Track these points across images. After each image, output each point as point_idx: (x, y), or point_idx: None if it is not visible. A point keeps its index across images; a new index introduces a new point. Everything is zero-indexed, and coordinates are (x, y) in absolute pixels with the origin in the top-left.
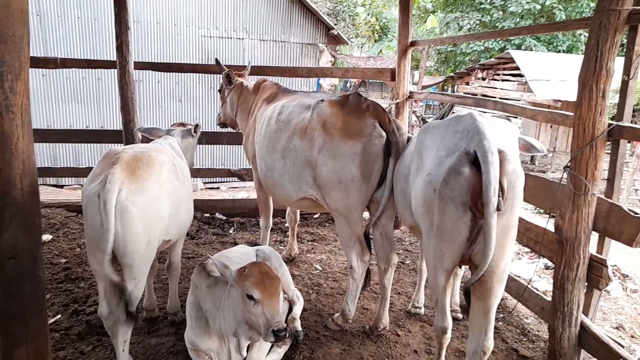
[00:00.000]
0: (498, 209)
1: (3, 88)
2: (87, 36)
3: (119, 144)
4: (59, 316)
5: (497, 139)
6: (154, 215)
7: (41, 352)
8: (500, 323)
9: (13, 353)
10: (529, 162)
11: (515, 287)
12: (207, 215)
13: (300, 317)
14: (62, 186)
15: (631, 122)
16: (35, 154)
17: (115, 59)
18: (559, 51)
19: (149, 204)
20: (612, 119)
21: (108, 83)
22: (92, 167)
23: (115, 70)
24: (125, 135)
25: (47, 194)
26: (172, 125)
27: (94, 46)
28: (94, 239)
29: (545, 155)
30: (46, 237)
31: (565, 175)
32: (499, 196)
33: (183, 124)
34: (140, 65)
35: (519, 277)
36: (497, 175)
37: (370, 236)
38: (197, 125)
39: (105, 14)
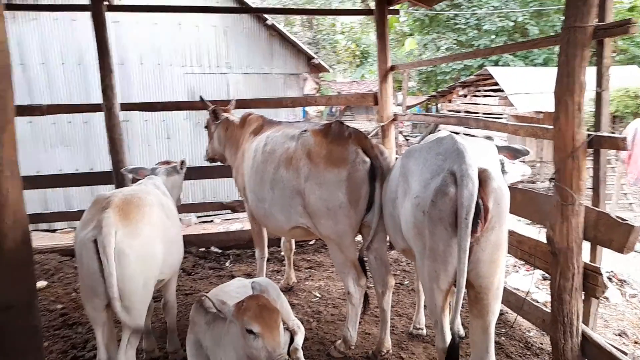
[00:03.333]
0: (474, 230)
1: None
2: (71, 81)
3: (109, 185)
4: None
5: (479, 159)
6: (148, 256)
7: None
8: (503, 338)
9: None
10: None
11: (515, 301)
12: (203, 249)
13: (302, 347)
14: (54, 230)
15: (611, 129)
16: (25, 201)
17: (100, 102)
18: (536, 65)
19: (144, 245)
20: (590, 128)
21: (95, 125)
22: (83, 210)
23: (102, 113)
24: (116, 176)
25: (39, 240)
26: (156, 164)
27: (79, 90)
28: (90, 285)
29: (533, 166)
30: (41, 283)
31: (551, 186)
32: (478, 217)
33: (168, 162)
34: (126, 107)
35: (518, 289)
36: (472, 197)
37: (365, 260)
38: (182, 161)
39: (88, 58)
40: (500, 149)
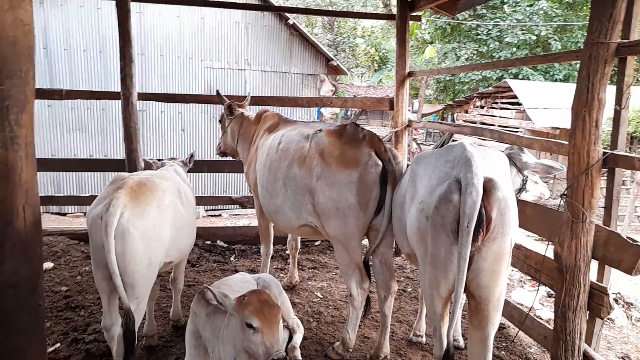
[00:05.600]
0: (475, 239)
1: (8, 121)
2: (92, 68)
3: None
4: (58, 345)
5: (486, 168)
6: (154, 238)
7: None
8: (503, 352)
9: None
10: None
11: (517, 315)
12: (209, 242)
13: (300, 346)
14: (65, 214)
15: (628, 150)
16: (38, 183)
17: (119, 90)
18: (556, 80)
19: (150, 227)
20: (607, 147)
21: (112, 113)
22: (95, 196)
23: (119, 101)
24: (128, 164)
25: (49, 222)
26: (164, 160)
27: (99, 77)
28: (97, 258)
29: (546, 182)
30: (47, 265)
31: (562, 203)
32: (480, 226)
33: (174, 159)
34: (144, 96)
35: (521, 305)
36: (475, 205)
37: (370, 264)
38: (191, 155)
39: (110, 47)
40: (535, 165)
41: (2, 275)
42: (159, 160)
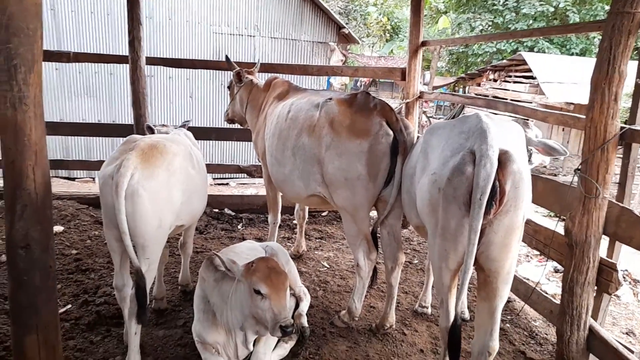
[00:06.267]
0: (487, 212)
1: (16, 80)
2: (100, 31)
3: None
4: (69, 306)
5: (502, 140)
6: (163, 200)
7: (51, 341)
8: (508, 325)
9: (24, 341)
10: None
11: (524, 290)
12: (216, 210)
13: (306, 314)
14: (73, 179)
15: None
16: (47, 147)
17: (127, 54)
18: (572, 54)
19: (159, 189)
20: (625, 122)
21: (120, 78)
22: (103, 161)
23: (127, 65)
24: (136, 129)
25: (59, 186)
26: (155, 126)
27: (107, 41)
28: (108, 217)
29: (557, 158)
30: (57, 228)
31: (576, 178)
32: (493, 199)
33: (165, 125)
34: (152, 61)
35: (528, 279)
36: (488, 178)
37: (378, 235)
38: (185, 122)
39: (118, 9)
40: (537, 143)
41: (14, 236)
42: (163, 125)
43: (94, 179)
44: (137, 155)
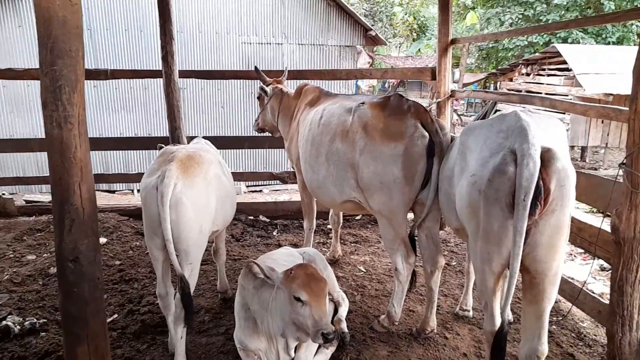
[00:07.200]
0: (532, 212)
1: (61, 100)
2: (133, 47)
3: None
4: (116, 315)
5: (543, 138)
6: (203, 206)
7: (101, 351)
8: (554, 327)
9: (75, 351)
10: (579, 159)
11: (569, 290)
12: (251, 217)
13: (345, 319)
14: (113, 191)
15: None
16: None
17: (160, 69)
18: (608, 43)
19: (199, 196)
20: None
21: (154, 91)
22: (141, 173)
23: (161, 79)
24: (172, 141)
25: (100, 199)
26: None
27: (140, 56)
28: (151, 226)
29: (596, 152)
30: (101, 240)
31: (621, 172)
32: (537, 199)
33: (176, 144)
34: (185, 74)
35: (573, 279)
36: (532, 178)
37: (415, 237)
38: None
39: (150, 26)
40: None
41: (63, 249)
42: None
43: (132, 191)
44: (177, 167)
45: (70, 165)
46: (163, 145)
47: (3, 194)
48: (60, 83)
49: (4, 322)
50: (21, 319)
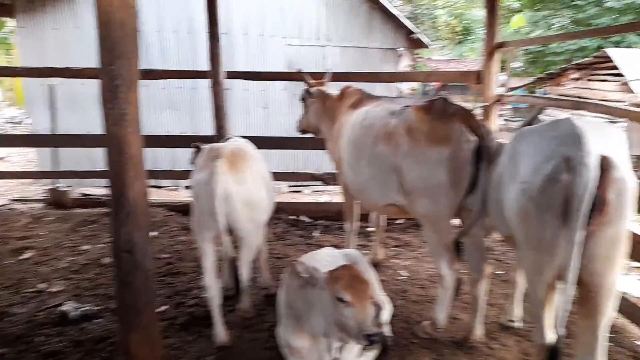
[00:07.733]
0: (588, 223)
1: (119, 99)
2: (181, 48)
3: None
4: (167, 307)
5: (600, 145)
6: (254, 198)
7: (152, 339)
8: (610, 344)
9: (129, 338)
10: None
11: (624, 306)
12: (293, 217)
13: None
14: (160, 187)
15: None
16: None
17: (208, 69)
18: None
19: (247, 190)
20: None
21: (200, 92)
22: (188, 170)
23: (207, 79)
24: (218, 140)
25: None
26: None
27: (188, 57)
28: (202, 219)
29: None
30: (152, 233)
31: None
32: (593, 210)
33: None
34: (232, 75)
35: (627, 294)
36: (587, 187)
37: (461, 244)
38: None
39: (198, 28)
40: None
41: (118, 241)
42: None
43: (178, 187)
44: (224, 162)
45: (126, 161)
46: (198, 144)
47: (59, 187)
48: (117, 82)
49: (60, 308)
50: (77, 305)
